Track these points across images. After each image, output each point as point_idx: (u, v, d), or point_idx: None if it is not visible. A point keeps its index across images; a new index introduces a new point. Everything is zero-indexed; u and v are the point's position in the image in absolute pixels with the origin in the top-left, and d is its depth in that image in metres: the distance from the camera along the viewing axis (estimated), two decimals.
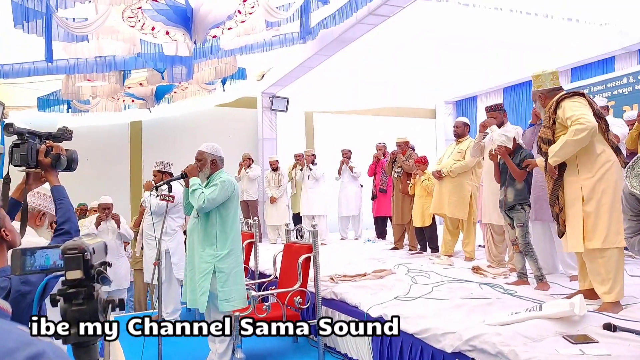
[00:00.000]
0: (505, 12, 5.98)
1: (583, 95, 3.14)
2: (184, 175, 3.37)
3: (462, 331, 2.62)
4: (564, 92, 3.22)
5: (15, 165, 1.74)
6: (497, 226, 4.70)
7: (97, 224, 5.31)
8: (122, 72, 6.11)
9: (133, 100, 7.58)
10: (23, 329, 0.49)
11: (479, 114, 10.06)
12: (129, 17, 4.54)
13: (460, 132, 5.42)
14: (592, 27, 6.58)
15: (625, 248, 4.47)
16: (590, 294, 3.15)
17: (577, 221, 3.02)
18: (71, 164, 1.86)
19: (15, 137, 1.74)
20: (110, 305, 0.97)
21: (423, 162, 5.87)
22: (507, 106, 9.31)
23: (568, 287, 3.69)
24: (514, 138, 3.92)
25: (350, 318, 3.59)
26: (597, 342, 2.38)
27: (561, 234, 3.19)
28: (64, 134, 1.87)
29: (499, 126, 4.65)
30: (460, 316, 2.96)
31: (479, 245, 5.60)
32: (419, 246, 6.06)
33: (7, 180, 1.76)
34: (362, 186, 7.97)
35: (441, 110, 11.13)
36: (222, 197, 3.26)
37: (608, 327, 2.53)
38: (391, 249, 6.41)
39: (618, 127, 4.76)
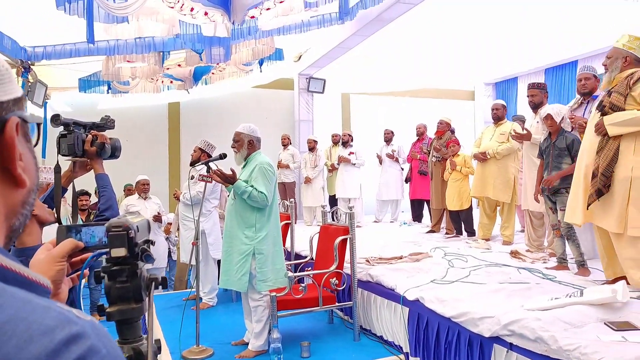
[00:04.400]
0: None
1: None
2: (222, 157, 3.43)
3: (501, 316, 2.57)
4: None
5: (63, 155, 1.82)
6: (536, 211, 4.59)
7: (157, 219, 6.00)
8: (161, 53, 6.20)
9: (172, 81, 7.72)
10: (63, 306, 0.49)
11: (519, 95, 9.71)
12: None
13: (500, 114, 5.34)
14: None
15: None
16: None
17: (622, 203, 2.88)
18: (115, 152, 1.93)
19: (61, 127, 1.80)
20: (153, 283, 0.99)
21: (456, 143, 5.76)
22: (548, 87, 8.95)
23: None
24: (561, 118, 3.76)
25: (387, 301, 3.59)
26: None
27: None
28: (107, 123, 1.94)
29: (538, 106, 4.62)
30: (498, 300, 2.90)
31: (520, 230, 5.47)
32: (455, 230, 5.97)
33: (58, 170, 1.83)
34: (402, 169, 7.89)
35: (480, 92, 10.78)
36: (270, 181, 3.36)
37: None
38: (427, 232, 6.34)
39: None
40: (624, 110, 2.89)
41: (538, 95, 4.61)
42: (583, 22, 6.66)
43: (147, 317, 1.00)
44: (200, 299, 4.72)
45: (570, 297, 2.67)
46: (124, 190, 7.28)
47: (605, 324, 2.40)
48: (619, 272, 3.11)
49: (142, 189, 6.07)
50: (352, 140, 7.72)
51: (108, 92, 7.68)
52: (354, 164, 7.57)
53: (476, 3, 6.07)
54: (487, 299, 2.93)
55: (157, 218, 6.04)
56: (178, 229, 5.55)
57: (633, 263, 2.89)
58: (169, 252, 6.91)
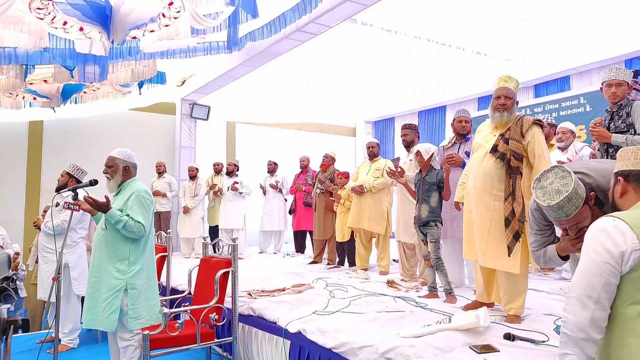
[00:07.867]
0: (424, 41, 6.41)
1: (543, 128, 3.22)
2: (93, 183, 3.15)
3: (378, 344, 2.68)
4: (535, 118, 3.22)
5: None
6: (409, 243, 4.94)
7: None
8: (24, 66, 5.57)
9: (35, 98, 6.93)
10: None
11: (396, 134, 10.59)
12: (38, 9, 4.17)
13: (375, 152, 5.70)
14: (498, 61, 7.23)
15: None
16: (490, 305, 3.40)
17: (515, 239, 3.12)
18: None
19: None
20: (12, 327, 0.85)
21: (346, 176, 6.03)
22: (421, 129, 9.95)
23: (473, 299, 3.93)
24: (430, 155, 4.13)
25: (269, 334, 3.52)
26: (499, 351, 2.56)
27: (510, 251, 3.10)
28: None
29: (410, 144, 5.06)
30: (376, 329, 3.02)
31: (393, 260, 5.82)
32: (337, 260, 6.15)
33: None
34: (286, 200, 7.96)
35: (361, 129, 11.53)
36: (147, 210, 3.14)
37: (508, 337, 2.75)
38: (310, 263, 6.43)
39: None
40: (523, 157, 3.09)
41: (409, 135, 5.06)
42: (452, 70, 7.59)
43: None
44: (59, 340, 4.19)
45: (440, 323, 2.90)
46: None
47: (470, 347, 2.63)
48: (493, 299, 3.45)
49: None
50: (237, 169, 7.64)
51: None
52: (241, 193, 7.46)
53: (358, 46, 6.56)
54: (366, 328, 3.04)
55: None
56: (37, 262, 4.89)
57: (510, 293, 3.15)
58: (16, 289, 6.02)
